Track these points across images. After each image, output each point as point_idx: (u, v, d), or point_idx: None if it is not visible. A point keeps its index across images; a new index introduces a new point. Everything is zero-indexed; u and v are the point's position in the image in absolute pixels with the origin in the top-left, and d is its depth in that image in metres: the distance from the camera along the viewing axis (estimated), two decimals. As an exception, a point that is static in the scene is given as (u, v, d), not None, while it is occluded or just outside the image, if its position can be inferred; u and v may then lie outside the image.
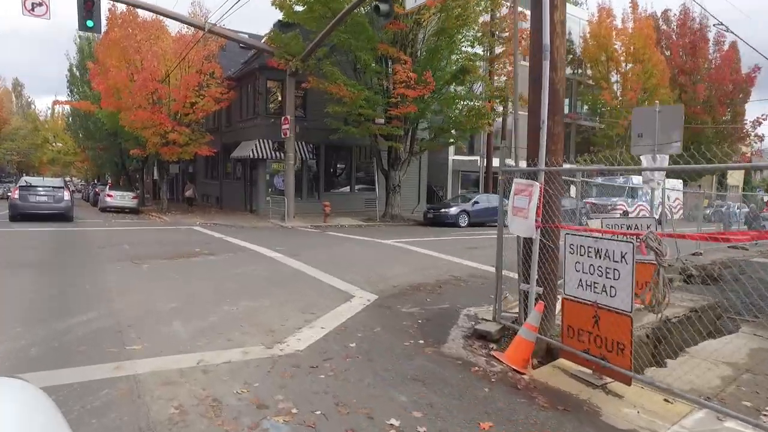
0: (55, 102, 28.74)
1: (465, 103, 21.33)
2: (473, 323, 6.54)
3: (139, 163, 33.37)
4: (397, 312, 6.80)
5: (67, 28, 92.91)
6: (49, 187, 18.04)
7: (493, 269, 10.70)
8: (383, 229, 19.16)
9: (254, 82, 23.00)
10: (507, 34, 21.25)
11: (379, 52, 18.48)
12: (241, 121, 24.78)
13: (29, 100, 73.10)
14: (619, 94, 34.05)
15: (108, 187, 27.73)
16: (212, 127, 27.81)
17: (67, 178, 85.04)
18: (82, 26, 14.79)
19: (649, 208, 30.39)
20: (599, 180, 32.19)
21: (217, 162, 28.10)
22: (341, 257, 11.05)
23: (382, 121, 20.79)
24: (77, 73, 37.02)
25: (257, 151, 21.57)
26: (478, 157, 28.10)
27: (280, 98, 23.27)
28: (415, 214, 25.67)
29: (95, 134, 34.98)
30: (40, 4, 14.55)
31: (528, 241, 5.73)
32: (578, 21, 37.50)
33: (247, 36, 22.71)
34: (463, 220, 21.46)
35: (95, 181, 54.34)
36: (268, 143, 22.13)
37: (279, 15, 20.23)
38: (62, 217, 17.49)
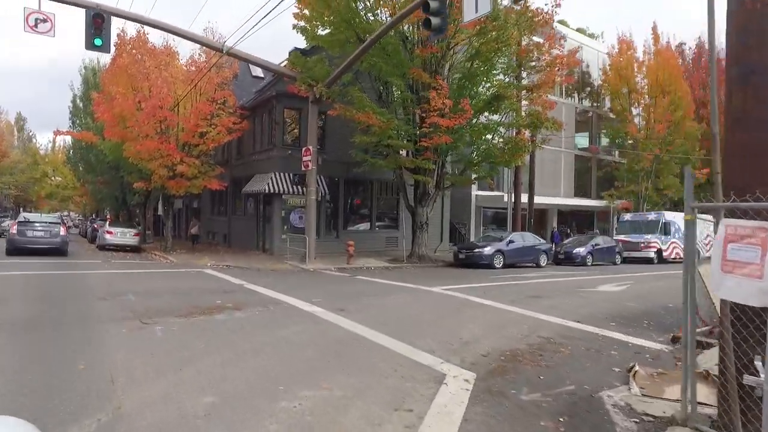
0: (56, 132, 27.19)
1: (500, 133, 19.83)
2: (636, 421, 4.61)
3: (141, 198, 31.59)
4: (518, 403, 4.83)
5: (73, 64, 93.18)
6: (46, 222, 18.88)
7: (580, 326, 8.74)
8: (414, 272, 17.21)
9: (270, 111, 21.49)
10: (534, 64, 19.80)
11: (410, 78, 17.01)
12: (254, 153, 23.14)
13: (30, 134, 71.96)
14: (642, 126, 32.72)
15: (108, 223, 25.84)
16: (221, 159, 26.17)
17: (65, 213, 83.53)
18: (90, 45, 13.28)
19: (682, 246, 28.66)
20: (628, 216, 30.57)
21: (226, 197, 26.32)
22: (395, 312, 9.07)
23: (405, 153, 19.25)
24: (80, 105, 35.75)
25: (273, 185, 19.81)
26: (504, 193, 26.43)
27: (297, 129, 21.75)
28: (439, 253, 23.78)
29: (96, 167, 33.37)
30: (45, 21, 13.07)
31: (751, 312, 3.83)
32: (596, 53, 36.69)
33: (261, 62, 21.32)
34: (498, 261, 19.58)
35: (93, 216, 52.44)
36: (285, 177, 20.42)
37: (295, 42, 19.03)
38: (57, 251, 17.99)
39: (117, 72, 21.48)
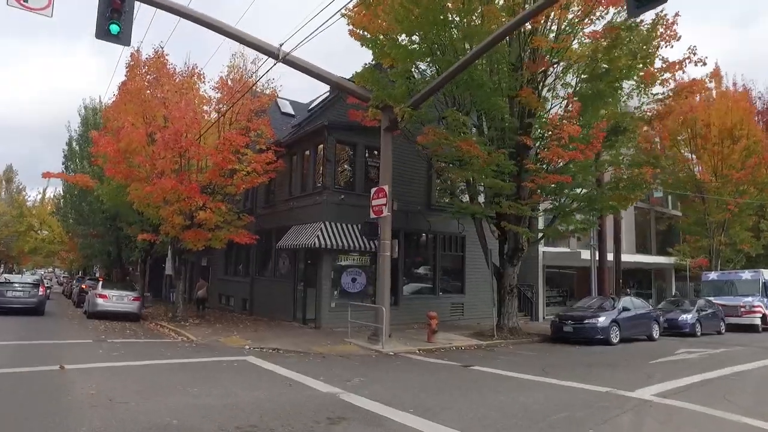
0: (46, 174, 22.79)
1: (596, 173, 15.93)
2: None
3: (141, 253, 26.85)
4: None
5: (71, 116, 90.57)
6: (25, 283, 19.76)
7: None
8: (527, 354, 12.50)
9: (317, 147, 17.34)
10: (658, 90, 15.70)
11: (518, 100, 13.09)
12: (290, 200, 18.73)
13: (20, 186, 67.31)
14: (710, 174, 29.02)
15: (100, 284, 20.95)
16: (243, 207, 21.74)
17: (49, 269, 77.65)
18: (102, 32, 9.23)
19: (778, 309, 24.19)
20: (712, 275, 26.29)
21: (248, 253, 21.67)
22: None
23: (489, 196, 15.19)
24: (76, 148, 31.59)
25: (324, 239, 15.34)
26: (583, 250, 22.13)
27: (350, 168, 17.59)
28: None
29: (89, 218, 28.76)
30: (39, -6, 9.06)
31: None
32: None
33: (325, 74, 17.50)
34: (615, 336, 15.09)
35: (81, 275, 46.96)
36: (338, 228, 16.02)
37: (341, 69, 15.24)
38: (34, 311, 18.74)
39: (127, 98, 17.44)
